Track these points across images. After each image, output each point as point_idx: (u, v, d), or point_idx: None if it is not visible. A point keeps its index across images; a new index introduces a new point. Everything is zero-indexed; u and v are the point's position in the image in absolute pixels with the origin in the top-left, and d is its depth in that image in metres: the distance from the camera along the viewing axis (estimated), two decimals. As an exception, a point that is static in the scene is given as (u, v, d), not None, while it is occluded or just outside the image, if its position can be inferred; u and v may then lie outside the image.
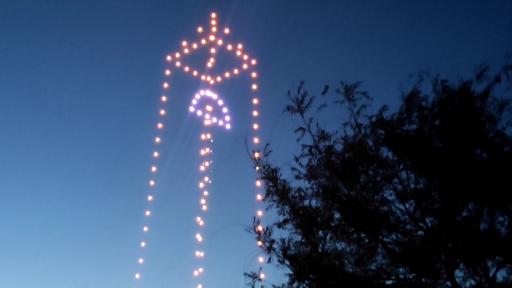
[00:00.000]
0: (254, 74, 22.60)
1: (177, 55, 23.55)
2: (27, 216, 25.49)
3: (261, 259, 10.69)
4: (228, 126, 22.26)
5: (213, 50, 23.28)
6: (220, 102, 22.66)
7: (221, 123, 22.30)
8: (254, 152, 11.01)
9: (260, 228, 10.58)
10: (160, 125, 22.62)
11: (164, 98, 23.10)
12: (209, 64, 23.24)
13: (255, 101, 21.94)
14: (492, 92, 9.56)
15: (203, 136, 22.36)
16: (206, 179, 21.51)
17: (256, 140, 11.30)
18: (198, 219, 20.67)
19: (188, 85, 23.36)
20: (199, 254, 19.90)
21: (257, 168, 10.88)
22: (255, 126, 20.58)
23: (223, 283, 18.41)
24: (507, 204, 9.57)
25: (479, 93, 9.67)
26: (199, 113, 22.58)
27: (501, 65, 9.23)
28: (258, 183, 11.33)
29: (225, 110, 22.53)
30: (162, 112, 22.90)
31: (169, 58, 23.57)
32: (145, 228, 20.95)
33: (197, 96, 22.81)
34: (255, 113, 21.49)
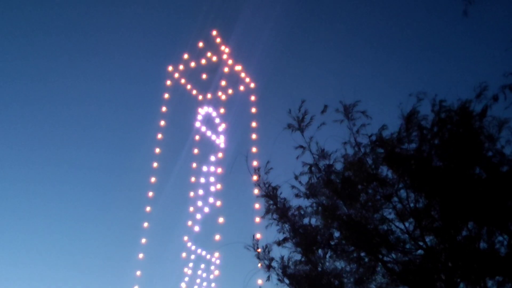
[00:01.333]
0: (253, 97, 22.69)
1: (181, 67, 23.62)
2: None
3: (259, 281, 10.69)
4: (222, 145, 22.28)
5: (212, 67, 23.39)
6: (217, 120, 22.71)
7: (217, 141, 22.31)
8: (255, 169, 11.04)
9: (259, 250, 10.60)
10: (160, 136, 22.64)
11: (164, 109, 23.14)
12: (207, 81, 23.32)
13: (253, 124, 21.98)
14: (491, 111, 9.63)
15: (195, 151, 22.36)
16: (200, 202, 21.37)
17: (255, 163, 11.32)
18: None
19: (187, 99, 23.43)
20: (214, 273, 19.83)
21: (257, 191, 10.94)
22: (254, 149, 20.42)
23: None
24: (507, 224, 9.56)
25: (477, 112, 9.72)
26: (203, 129, 22.62)
27: (500, 85, 9.30)
28: (257, 205, 11.33)
29: (221, 128, 22.57)
30: (163, 123, 22.92)
31: (170, 68, 23.65)
32: (141, 255, 20.83)
33: (201, 111, 22.86)
34: (254, 136, 21.50)
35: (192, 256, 20.50)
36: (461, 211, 9.46)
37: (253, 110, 22.33)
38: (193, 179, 21.82)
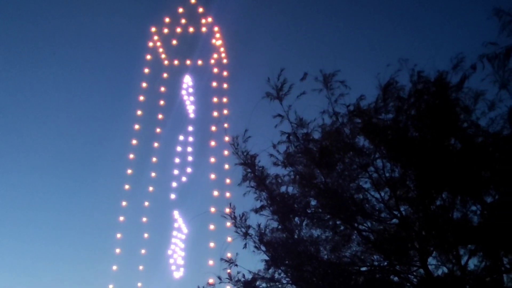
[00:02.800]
0: (225, 73, 22.67)
1: (166, 30, 23.36)
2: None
3: (229, 255, 10.73)
4: (192, 115, 22.26)
5: (190, 35, 23.25)
6: (190, 90, 22.66)
7: (190, 110, 22.30)
8: (232, 141, 11.00)
9: (229, 224, 10.67)
10: (141, 98, 22.58)
11: (146, 70, 22.98)
12: (184, 49, 23.19)
13: (224, 99, 22.03)
14: (468, 83, 9.66)
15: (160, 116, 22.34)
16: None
17: (226, 138, 11.28)
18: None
19: (164, 65, 23.29)
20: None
21: (227, 166, 10.97)
22: (226, 125, 20.25)
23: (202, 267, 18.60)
24: (480, 193, 9.70)
25: (455, 83, 9.76)
26: (186, 98, 22.54)
27: (478, 55, 9.29)
28: (228, 180, 11.24)
29: (191, 98, 22.55)
30: (144, 84, 22.81)
31: (153, 29, 23.40)
32: (122, 218, 20.88)
33: (166, 76, 22.80)
34: (225, 111, 21.61)
35: (176, 225, 20.67)
36: (436, 181, 9.56)
37: (225, 85, 22.40)
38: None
